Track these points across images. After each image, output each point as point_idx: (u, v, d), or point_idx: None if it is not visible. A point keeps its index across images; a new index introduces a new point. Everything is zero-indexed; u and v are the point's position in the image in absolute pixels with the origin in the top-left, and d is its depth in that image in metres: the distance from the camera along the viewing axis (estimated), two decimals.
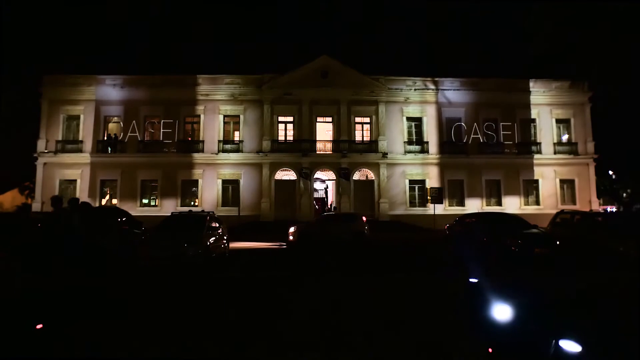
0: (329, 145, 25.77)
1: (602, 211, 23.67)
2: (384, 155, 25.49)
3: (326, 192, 27.12)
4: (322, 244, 14.58)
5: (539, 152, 26.34)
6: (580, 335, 2.62)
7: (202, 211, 12.75)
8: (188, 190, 25.39)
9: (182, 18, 70.95)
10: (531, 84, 26.75)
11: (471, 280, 4.68)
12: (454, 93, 26.43)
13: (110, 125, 25.94)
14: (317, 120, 26.14)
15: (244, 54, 59.47)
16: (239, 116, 25.85)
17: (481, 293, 4.69)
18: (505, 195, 25.96)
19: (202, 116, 25.66)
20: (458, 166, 25.92)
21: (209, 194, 25.04)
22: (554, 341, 2.65)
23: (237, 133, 25.98)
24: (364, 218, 16.56)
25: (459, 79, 26.82)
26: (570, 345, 2.56)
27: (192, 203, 25.02)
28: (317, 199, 26.56)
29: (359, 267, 11.06)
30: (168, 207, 23.48)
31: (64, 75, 25.56)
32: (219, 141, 25.51)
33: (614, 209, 35.57)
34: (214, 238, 11.34)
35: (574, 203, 25.70)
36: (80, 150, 25.03)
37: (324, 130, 26.37)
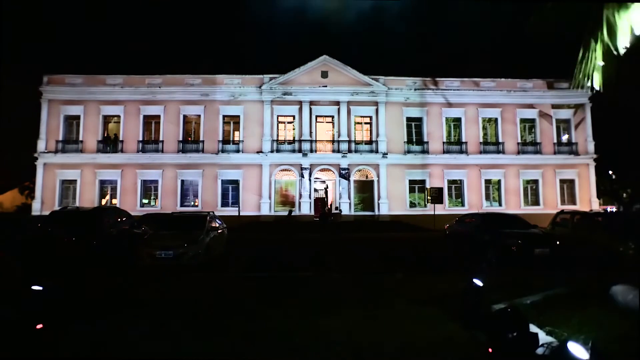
0: (329, 145, 25.79)
1: (602, 211, 23.65)
2: (384, 155, 25.51)
3: (326, 192, 27.11)
4: None
5: (539, 152, 26.37)
6: (579, 334, 2.63)
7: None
8: (188, 190, 25.39)
9: (182, 18, 71.05)
10: (531, 84, 26.77)
11: (472, 280, 4.68)
12: (454, 93, 26.45)
13: (110, 125, 25.96)
14: (317, 120, 26.16)
15: (244, 54, 59.42)
16: (239, 116, 25.86)
17: (481, 293, 4.69)
18: (506, 195, 25.99)
19: (202, 116, 25.67)
20: (458, 166, 25.95)
21: (209, 194, 25.04)
22: (562, 344, 2.62)
23: (237, 133, 25.98)
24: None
25: (459, 79, 26.82)
26: (578, 350, 2.52)
27: (192, 203, 25.02)
28: (317, 199, 26.56)
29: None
30: (168, 207, 23.50)
31: (64, 75, 25.57)
32: (219, 141, 25.51)
33: (614, 209, 35.52)
34: (214, 238, 11.34)
35: (574, 203, 25.71)
36: (80, 150, 25.05)
37: (324, 130, 26.37)
